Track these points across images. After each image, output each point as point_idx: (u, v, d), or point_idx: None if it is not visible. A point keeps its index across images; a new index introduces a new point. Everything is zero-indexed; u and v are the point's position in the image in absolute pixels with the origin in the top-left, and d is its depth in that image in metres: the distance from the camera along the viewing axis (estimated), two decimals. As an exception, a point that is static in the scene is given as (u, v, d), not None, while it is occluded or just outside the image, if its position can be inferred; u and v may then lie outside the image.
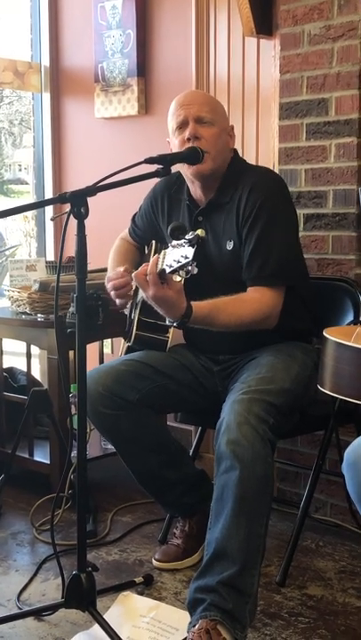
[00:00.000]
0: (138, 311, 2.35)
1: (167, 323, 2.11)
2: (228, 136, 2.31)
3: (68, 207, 1.84)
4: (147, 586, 2.29)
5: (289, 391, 2.10)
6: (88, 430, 2.56)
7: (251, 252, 2.20)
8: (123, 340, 2.55)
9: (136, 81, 3.41)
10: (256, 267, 2.19)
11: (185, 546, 2.44)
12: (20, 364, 3.31)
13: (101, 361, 3.14)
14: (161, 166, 2.03)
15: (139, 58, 3.40)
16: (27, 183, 5.05)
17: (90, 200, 1.84)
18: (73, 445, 2.37)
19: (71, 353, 2.89)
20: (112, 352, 3.28)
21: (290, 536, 2.37)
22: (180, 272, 1.85)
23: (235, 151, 2.37)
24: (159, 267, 1.94)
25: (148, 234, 2.54)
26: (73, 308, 2.64)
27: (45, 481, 2.91)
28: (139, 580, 2.28)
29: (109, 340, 3.31)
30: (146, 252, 2.55)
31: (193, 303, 2.04)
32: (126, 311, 2.51)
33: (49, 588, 2.31)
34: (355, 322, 2.41)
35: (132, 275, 2.04)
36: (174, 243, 1.87)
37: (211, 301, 2.10)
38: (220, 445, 1.95)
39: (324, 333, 1.73)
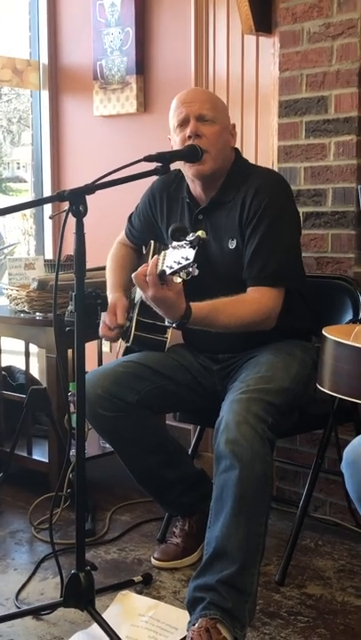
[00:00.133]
0: (136, 312, 2.34)
1: (166, 323, 2.11)
2: (230, 134, 2.30)
3: (66, 205, 1.83)
4: (145, 585, 2.28)
5: (288, 390, 2.09)
6: (86, 429, 2.56)
7: (253, 251, 2.20)
8: (120, 341, 2.54)
9: (135, 79, 3.40)
10: (257, 267, 2.19)
11: (184, 545, 2.44)
12: (19, 363, 3.30)
13: (100, 359, 3.14)
14: (160, 164, 2.02)
15: (138, 55, 3.40)
16: (25, 181, 5.04)
17: (88, 198, 1.83)
18: (72, 444, 2.37)
19: (70, 351, 2.88)
20: (111, 351, 3.27)
21: (289, 535, 2.36)
22: (181, 273, 1.85)
23: (237, 150, 2.36)
24: (159, 268, 1.94)
25: (145, 234, 2.53)
26: (72, 306, 2.64)
27: (44, 480, 2.90)
28: (137, 579, 2.28)
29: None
30: (144, 251, 2.54)
31: (192, 304, 2.03)
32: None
33: (47, 587, 2.30)
34: (354, 320, 2.41)
35: (132, 275, 2.03)
36: (175, 244, 1.86)
37: (210, 302, 2.09)
38: (219, 445, 1.95)
39: (324, 332, 1.73)
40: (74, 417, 1.94)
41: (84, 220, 1.83)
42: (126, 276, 2.50)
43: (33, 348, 3.11)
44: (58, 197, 1.85)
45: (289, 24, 2.70)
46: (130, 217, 2.60)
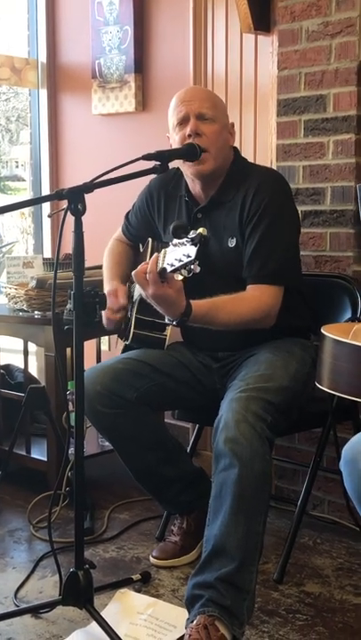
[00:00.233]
0: (135, 310, 2.34)
1: (166, 321, 2.11)
2: (229, 133, 2.30)
3: (65, 204, 1.83)
4: (144, 583, 2.29)
5: (288, 389, 2.10)
6: (85, 427, 2.56)
7: (253, 250, 2.20)
8: (119, 340, 2.54)
9: (133, 77, 3.40)
10: (257, 265, 2.19)
11: (182, 543, 2.44)
12: (17, 362, 3.30)
13: (99, 358, 3.14)
14: (158, 163, 2.02)
15: (136, 54, 3.40)
16: (23, 180, 5.04)
17: (87, 197, 1.83)
18: (70, 442, 2.37)
19: (68, 350, 2.88)
20: (109, 349, 3.27)
21: (287, 533, 2.37)
22: (182, 271, 1.85)
23: (236, 149, 2.36)
24: (160, 265, 1.94)
25: (142, 231, 2.53)
26: (70, 305, 2.63)
27: (42, 478, 2.90)
28: (136, 577, 2.28)
29: (107, 338, 3.31)
30: (141, 249, 2.54)
31: (192, 302, 2.03)
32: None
33: (46, 586, 2.30)
34: (353, 319, 2.41)
35: (132, 273, 2.04)
36: (175, 241, 1.87)
37: (210, 300, 2.09)
38: (218, 443, 1.95)
39: (323, 330, 1.73)
40: (72, 415, 1.94)
41: (83, 218, 1.83)
42: (123, 272, 2.50)
43: (31, 347, 3.11)
44: (57, 196, 1.84)
45: (287, 23, 2.70)
46: (127, 214, 2.60)
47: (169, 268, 1.89)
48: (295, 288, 2.30)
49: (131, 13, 3.37)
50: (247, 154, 2.71)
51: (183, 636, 1.91)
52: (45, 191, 3.90)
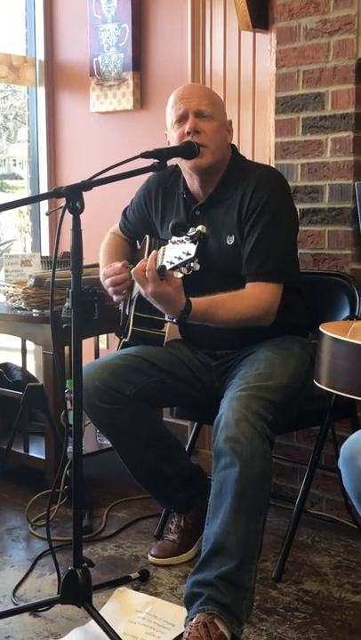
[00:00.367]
0: (133, 307, 2.34)
1: (166, 319, 2.11)
2: (227, 130, 2.30)
3: (63, 202, 1.83)
4: (142, 581, 2.29)
5: (287, 387, 2.10)
6: (83, 426, 2.56)
7: (252, 248, 2.20)
8: (117, 337, 2.54)
9: (131, 75, 3.40)
10: (256, 263, 2.19)
11: (180, 541, 2.44)
12: (16, 360, 3.30)
13: (97, 356, 3.14)
14: (157, 160, 2.02)
15: (134, 52, 3.39)
16: (21, 178, 5.03)
17: (85, 195, 1.83)
18: (68, 441, 2.37)
19: (66, 348, 2.88)
20: (107, 347, 3.27)
21: (286, 531, 2.37)
22: (182, 269, 1.85)
23: (234, 147, 2.36)
24: (159, 263, 1.94)
25: (139, 228, 2.53)
26: (68, 303, 2.63)
27: (41, 476, 2.90)
28: (134, 575, 2.28)
29: (105, 336, 3.31)
30: (138, 246, 2.54)
31: (192, 299, 2.04)
32: (121, 306, 2.50)
33: (44, 584, 2.30)
34: (351, 317, 2.41)
35: (131, 271, 2.03)
36: (174, 239, 1.86)
37: (209, 297, 2.09)
38: (218, 442, 1.95)
39: (321, 328, 1.73)
40: (71, 414, 1.94)
41: (81, 216, 1.83)
42: (119, 260, 2.49)
43: (30, 345, 3.11)
44: (55, 194, 1.84)
45: (286, 20, 2.70)
46: (124, 210, 2.59)
47: (168, 266, 1.89)
48: (294, 286, 2.30)
49: (129, 11, 3.37)
50: (245, 151, 2.71)
51: (182, 634, 1.91)
52: (43, 189, 3.90)
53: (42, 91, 3.84)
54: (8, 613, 2.08)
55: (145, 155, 2.00)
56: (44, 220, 3.92)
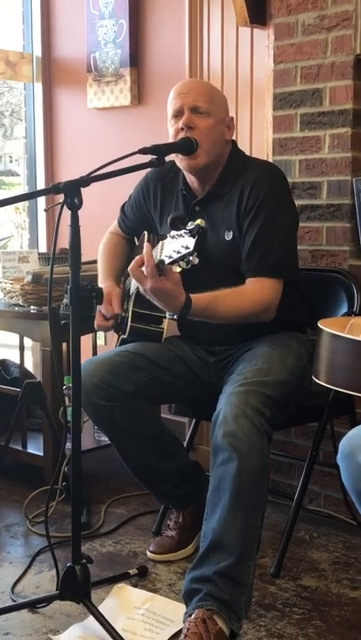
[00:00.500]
0: (132, 303, 2.34)
1: (167, 316, 2.10)
2: (226, 127, 2.28)
3: (61, 198, 1.82)
4: (141, 577, 2.29)
5: (285, 383, 2.09)
6: (81, 422, 2.56)
7: (251, 243, 2.19)
8: (115, 334, 2.54)
9: (129, 71, 3.39)
10: (256, 258, 2.19)
11: (179, 537, 2.44)
12: (13, 357, 3.29)
13: (95, 353, 3.13)
14: (155, 156, 2.01)
15: (131, 48, 3.39)
16: (17, 175, 5.02)
17: (83, 191, 1.83)
18: (67, 437, 2.36)
19: (64, 345, 2.88)
20: (105, 344, 3.27)
21: (284, 527, 2.37)
22: (181, 263, 1.84)
23: (234, 142, 2.35)
24: (157, 258, 1.93)
25: (138, 224, 2.52)
26: (67, 299, 2.62)
27: (39, 473, 2.90)
28: (133, 571, 2.28)
29: (102, 332, 3.30)
30: (137, 242, 2.53)
31: (192, 295, 2.03)
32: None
33: (43, 580, 2.30)
34: (349, 313, 2.41)
35: (128, 269, 2.03)
36: (173, 233, 1.86)
37: (210, 293, 2.09)
38: (216, 438, 1.95)
39: (319, 325, 1.73)
40: (69, 410, 1.94)
41: (79, 212, 1.83)
42: (118, 265, 2.50)
43: (27, 342, 3.10)
44: (53, 190, 1.84)
45: (283, 16, 2.69)
46: (123, 206, 2.59)
47: (167, 260, 1.88)
48: (292, 282, 2.29)
49: (126, 7, 3.36)
50: (243, 147, 2.69)
51: (180, 630, 1.91)
52: (40, 186, 3.89)
53: (39, 87, 3.84)
54: (6, 610, 2.08)
55: (142, 151, 2.00)
56: (42, 217, 3.92)
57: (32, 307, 2.91)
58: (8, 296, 3.00)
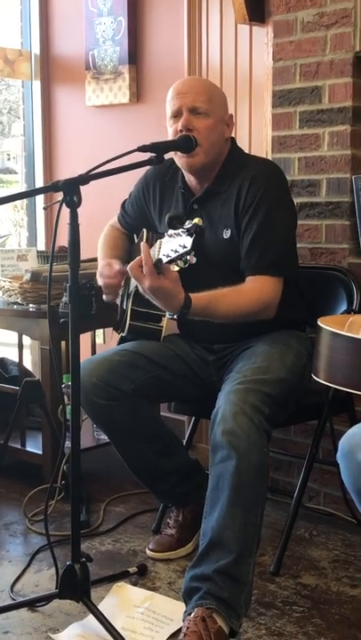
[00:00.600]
0: (130, 301, 2.34)
1: (167, 315, 2.10)
2: (225, 125, 2.27)
3: (59, 196, 1.82)
4: (141, 576, 2.28)
5: (285, 381, 2.09)
6: (81, 421, 2.55)
7: (250, 241, 2.19)
8: (114, 332, 2.54)
9: (127, 69, 3.39)
10: (255, 256, 2.18)
11: (178, 535, 2.44)
12: (12, 355, 3.29)
13: (94, 351, 3.13)
14: (154, 154, 2.01)
15: (130, 45, 3.38)
16: (15, 172, 5.01)
17: (82, 189, 1.82)
18: (66, 436, 2.36)
19: (63, 343, 2.87)
20: (104, 342, 3.27)
21: (283, 525, 2.37)
22: (178, 262, 1.84)
23: (233, 140, 2.34)
24: (155, 256, 1.93)
25: (137, 221, 2.52)
26: (66, 297, 2.62)
27: (38, 472, 2.90)
28: (133, 570, 2.28)
29: (101, 331, 3.30)
30: (136, 240, 2.53)
31: (192, 295, 2.02)
32: (118, 301, 2.49)
33: (42, 579, 2.30)
34: (348, 311, 2.41)
35: (127, 267, 2.02)
36: (171, 232, 1.85)
37: (209, 292, 2.08)
38: (215, 435, 1.94)
39: (319, 323, 1.73)
40: (68, 408, 1.93)
41: (78, 210, 1.82)
42: (118, 254, 2.49)
43: (26, 340, 3.10)
44: (52, 188, 1.83)
45: (282, 13, 2.69)
46: (123, 203, 2.59)
47: (165, 259, 1.88)
48: (292, 280, 2.29)
49: (124, 4, 3.36)
50: (242, 145, 2.68)
51: (180, 628, 1.91)
52: (39, 183, 3.89)
53: (37, 84, 3.83)
54: (6, 609, 2.08)
55: (141, 149, 1.99)
56: (40, 215, 3.91)
57: (31, 305, 2.90)
58: (7, 294, 2.99)
